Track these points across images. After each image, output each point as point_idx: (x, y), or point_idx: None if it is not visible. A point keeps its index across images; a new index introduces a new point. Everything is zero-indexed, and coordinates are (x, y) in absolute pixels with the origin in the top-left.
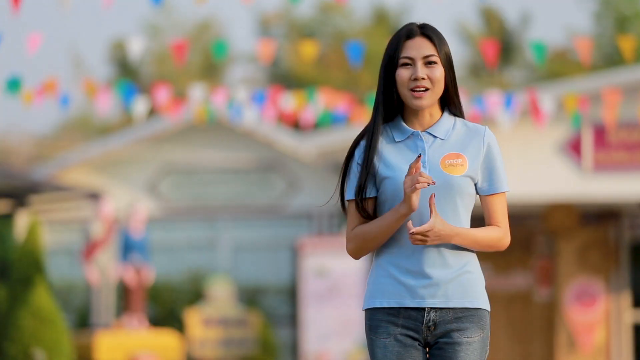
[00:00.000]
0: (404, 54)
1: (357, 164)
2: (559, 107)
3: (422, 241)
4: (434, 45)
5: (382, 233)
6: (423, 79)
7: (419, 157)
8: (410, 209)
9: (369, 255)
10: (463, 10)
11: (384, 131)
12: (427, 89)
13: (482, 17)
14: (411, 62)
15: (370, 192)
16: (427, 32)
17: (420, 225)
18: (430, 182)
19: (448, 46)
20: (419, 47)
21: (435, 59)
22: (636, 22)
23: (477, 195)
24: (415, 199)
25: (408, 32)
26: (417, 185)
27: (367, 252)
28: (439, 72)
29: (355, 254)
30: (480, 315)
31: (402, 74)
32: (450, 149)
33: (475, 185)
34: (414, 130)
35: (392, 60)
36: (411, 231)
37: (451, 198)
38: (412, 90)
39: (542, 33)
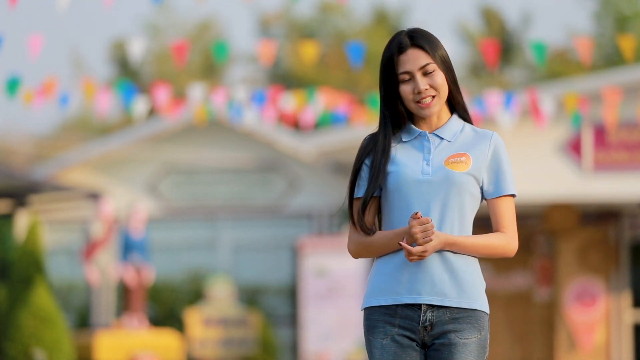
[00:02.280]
0: (400, 70)
1: (366, 165)
2: (559, 107)
3: (420, 258)
4: (427, 53)
5: (384, 248)
6: (426, 89)
7: (416, 213)
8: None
9: None
10: (463, 10)
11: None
12: (433, 97)
13: (482, 17)
14: (410, 77)
15: (375, 192)
16: (417, 41)
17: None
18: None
19: (443, 48)
20: (413, 60)
21: (432, 66)
22: (636, 22)
23: (484, 200)
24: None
25: (399, 46)
26: (426, 240)
27: (368, 257)
28: (439, 77)
29: (355, 256)
30: (477, 317)
31: (405, 90)
32: (455, 151)
33: (481, 188)
34: (421, 130)
35: (389, 77)
36: (408, 252)
37: (454, 195)
38: (418, 102)
39: (542, 33)
